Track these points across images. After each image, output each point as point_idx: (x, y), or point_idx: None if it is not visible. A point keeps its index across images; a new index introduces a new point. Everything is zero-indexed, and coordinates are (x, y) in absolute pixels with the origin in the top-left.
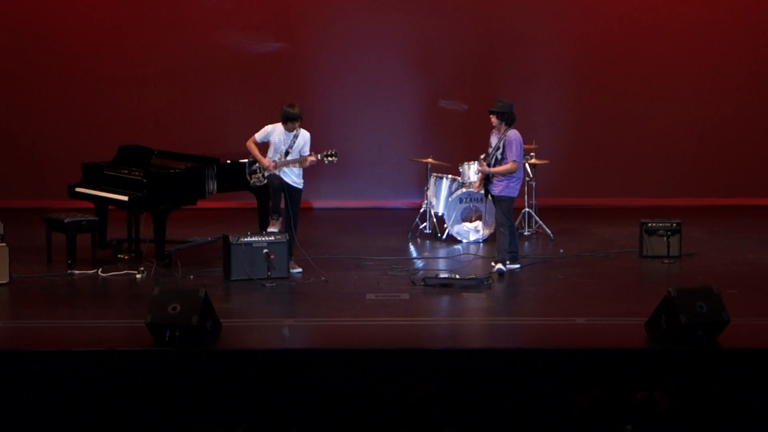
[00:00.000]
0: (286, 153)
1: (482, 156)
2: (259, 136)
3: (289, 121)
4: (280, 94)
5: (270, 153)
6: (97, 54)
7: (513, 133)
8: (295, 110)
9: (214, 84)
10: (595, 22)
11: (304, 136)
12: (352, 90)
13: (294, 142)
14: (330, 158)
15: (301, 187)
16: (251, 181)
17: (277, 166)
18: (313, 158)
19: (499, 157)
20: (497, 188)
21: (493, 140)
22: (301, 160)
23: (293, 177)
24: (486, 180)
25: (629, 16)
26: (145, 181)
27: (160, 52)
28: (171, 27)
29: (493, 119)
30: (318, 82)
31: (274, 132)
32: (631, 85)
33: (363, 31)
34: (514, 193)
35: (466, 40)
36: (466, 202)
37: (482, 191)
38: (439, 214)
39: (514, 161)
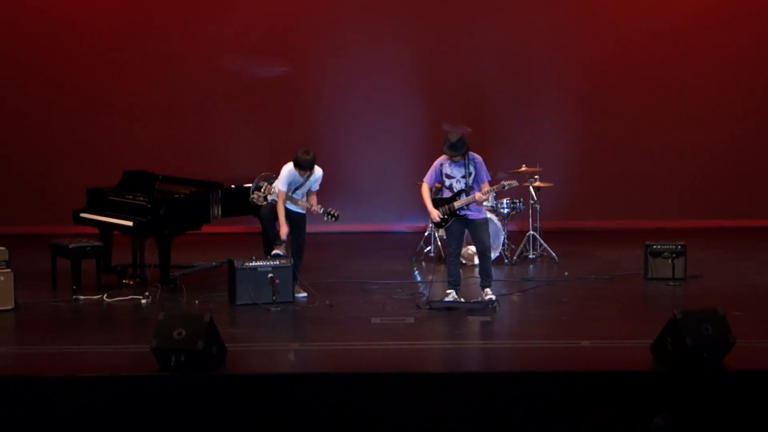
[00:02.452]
0: (296, 189)
1: (446, 202)
2: (283, 184)
3: (299, 168)
4: (283, 118)
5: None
6: (100, 80)
7: (477, 156)
8: (308, 157)
9: (218, 109)
10: (599, 46)
11: (316, 174)
12: (356, 114)
13: (307, 180)
14: (330, 218)
15: (304, 211)
16: (251, 197)
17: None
18: (316, 209)
19: (471, 182)
20: (480, 213)
21: (453, 169)
22: (305, 205)
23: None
24: (452, 210)
25: (633, 39)
26: (149, 206)
27: (163, 77)
28: (174, 52)
29: (459, 157)
30: (321, 106)
31: (291, 171)
32: (635, 108)
33: (367, 55)
34: None
35: (470, 62)
36: None
37: (439, 222)
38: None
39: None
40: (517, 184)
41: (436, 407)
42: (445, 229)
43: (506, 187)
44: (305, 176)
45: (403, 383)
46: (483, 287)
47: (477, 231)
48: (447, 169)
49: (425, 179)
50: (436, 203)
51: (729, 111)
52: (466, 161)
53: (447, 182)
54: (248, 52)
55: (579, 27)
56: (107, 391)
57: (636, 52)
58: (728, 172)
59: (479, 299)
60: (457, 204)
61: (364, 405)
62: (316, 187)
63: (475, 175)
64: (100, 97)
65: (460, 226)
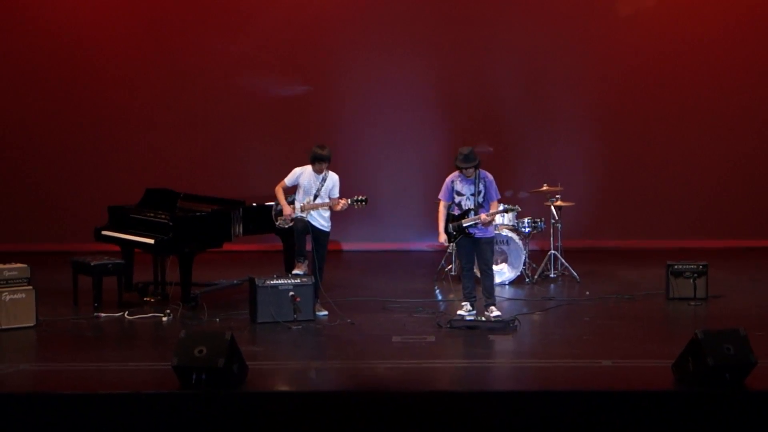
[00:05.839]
0: (315, 196)
1: (455, 219)
2: (288, 179)
3: (317, 162)
4: (303, 137)
5: (299, 195)
6: (122, 99)
7: (488, 174)
8: (324, 152)
9: (239, 127)
10: (619, 65)
11: (332, 178)
12: (376, 133)
13: (323, 185)
14: (359, 204)
15: (327, 229)
16: (277, 223)
17: (303, 209)
18: (344, 202)
19: (481, 200)
20: (486, 232)
21: (463, 186)
22: (331, 204)
23: (320, 220)
24: (461, 227)
25: (653, 58)
26: (170, 224)
27: (184, 96)
28: (196, 71)
29: (471, 171)
30: (342, 125)
31: (303, 174)
32: (656, 128)
33: (386, 74)
34: None
35: (490, 80)
36: None
37: (449, 240)
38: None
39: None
40: (519, 210)
41: (457, 426)
42: (456, 246)
43: (508, 212)
44: (322, 173)
45: (424, 402)
46: (487, 306)
47: (481, 250)
48: (458, 186)
49: (440, 196)
50: (448, 219)
51: (750, 130)
52: (476, 179)
53: (457, 199)
54: (268, 70)
55: (598, 45)
56: (128, 409)
57: (656, 71)
58: (750, 192)
59: (501, 318)
60: (464, 222)
61: (384, 424)
62: (335, 193)
63: (485, 193)
64: (122, 116)
65: (469, 243)
